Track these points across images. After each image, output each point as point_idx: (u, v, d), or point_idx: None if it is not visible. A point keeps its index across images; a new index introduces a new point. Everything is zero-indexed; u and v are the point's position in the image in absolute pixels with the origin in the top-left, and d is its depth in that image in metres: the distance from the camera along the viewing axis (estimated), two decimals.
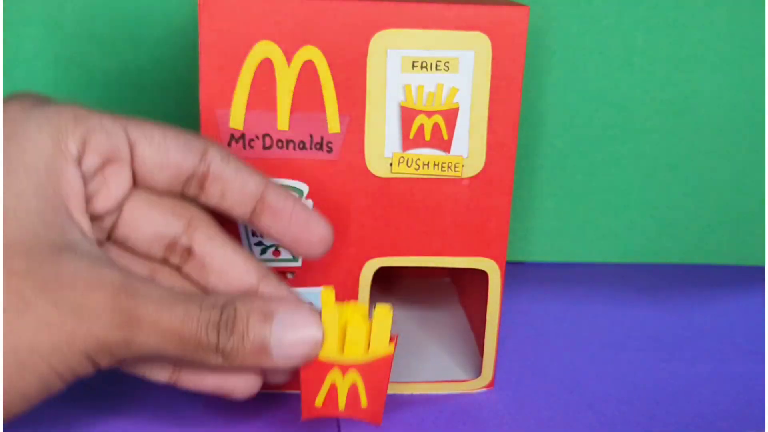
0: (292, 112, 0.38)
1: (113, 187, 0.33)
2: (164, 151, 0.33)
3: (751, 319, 0.53)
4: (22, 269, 0.28)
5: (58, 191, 0.30)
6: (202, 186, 0.34)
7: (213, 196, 0.34)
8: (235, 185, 0.34)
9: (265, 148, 0.38)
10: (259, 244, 0.40)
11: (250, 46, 0.37)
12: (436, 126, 0.39)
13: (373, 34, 0.38)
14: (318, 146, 0.39)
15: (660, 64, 0.55)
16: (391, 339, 0.34)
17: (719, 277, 0.59)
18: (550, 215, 0.59)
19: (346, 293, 0.41)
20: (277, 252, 0.40)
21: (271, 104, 0.38)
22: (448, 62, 0.38)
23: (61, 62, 0.53)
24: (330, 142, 0.39)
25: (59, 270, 0.29)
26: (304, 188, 0.39)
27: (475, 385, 0.44)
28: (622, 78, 0.55)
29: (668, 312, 0.54)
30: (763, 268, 0.60)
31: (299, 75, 0.38)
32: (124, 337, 0.29)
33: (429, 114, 0.39)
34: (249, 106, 0.38)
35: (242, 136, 0.38)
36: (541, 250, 0.60)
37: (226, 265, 0.35)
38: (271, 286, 0.36)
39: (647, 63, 0.55)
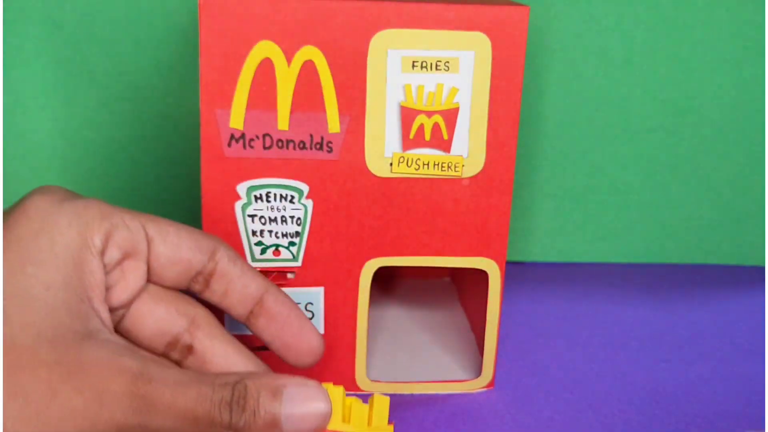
0: (292, 112, 0.38)
1: (130, 280, 0.34)
2: (177, 249, 0.35)
3: (751, 319, 0.53)
4: (51, 359, 0.30)
5: (82, 282, 0.32)
6: (207, 283, 0.36)
7: (216, 293, 0.36)
8: (238, 285, 0.36)
9: (265, 148, 0.38)
10: (259, 244, 0.40)
11: (250, 46, 0.37)
12: (436, 126, 0.39)
13: (373, 34, 0.38)
14: (318, 146, 0.39)
15: (660, 64, 0.55)
16: (389, 422, 0.35)
17: (719, 277, 0.59)
18: (550, 215, 0.59)
19: (346, 293, 0.41)
20: (277, 252, 0.40)
21: (271, 104, 0.38)
22: (448, 62, 0.38)
23: (61, 62, 0.53)
24: (330, 142, 0.39)
25: (83, 358, 0.30)
26: (304, 188, 0.39)
27: (475, 385, 0.44)
28: (622, 78, 0.55)
29: (668, 312, 0.54)
30: (763, 268, 0.60)
31: (299, 75, 0.38)
32: (141, 421, 0.30)
33: (429, 114, 0.39)
34: (249, 106, 0.38)
35: (242, 135, 0.38)
36: (541, 250, 0.60)
37: (227, 362, 0.36)
38: None
39: (647, 63, 0.55)
